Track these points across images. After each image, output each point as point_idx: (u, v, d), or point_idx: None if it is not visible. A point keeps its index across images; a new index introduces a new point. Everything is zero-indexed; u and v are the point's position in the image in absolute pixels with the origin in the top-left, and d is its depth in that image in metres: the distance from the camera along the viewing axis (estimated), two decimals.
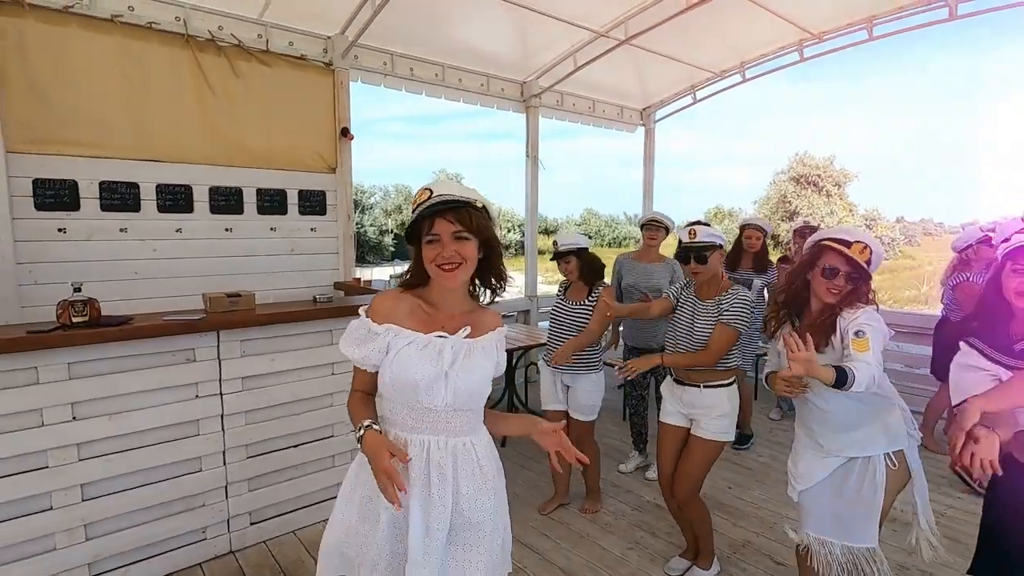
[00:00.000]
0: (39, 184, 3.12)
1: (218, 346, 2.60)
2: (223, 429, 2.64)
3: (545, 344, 3.24)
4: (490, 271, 1.40)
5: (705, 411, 2.41)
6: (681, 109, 6.31)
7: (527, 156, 5.46)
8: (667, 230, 3.61)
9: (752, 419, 4.11)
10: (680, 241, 2.45)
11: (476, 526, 1.38)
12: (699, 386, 2.42)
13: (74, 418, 2.28)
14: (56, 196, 3.17)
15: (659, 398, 2.74)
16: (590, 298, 2.95)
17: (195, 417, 2.57)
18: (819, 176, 28.67)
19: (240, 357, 2.67)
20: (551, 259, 3.15)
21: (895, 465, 1.83)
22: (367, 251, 26.24)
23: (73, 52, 3.15)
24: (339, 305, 3.01)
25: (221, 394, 2.63)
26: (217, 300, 2.67)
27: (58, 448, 2.25)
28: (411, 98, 4.90)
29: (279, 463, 2.83)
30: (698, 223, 2.45)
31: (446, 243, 1.29)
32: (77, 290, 2.26)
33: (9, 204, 3.02)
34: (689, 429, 2.48)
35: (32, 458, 2.20)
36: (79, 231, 3.25)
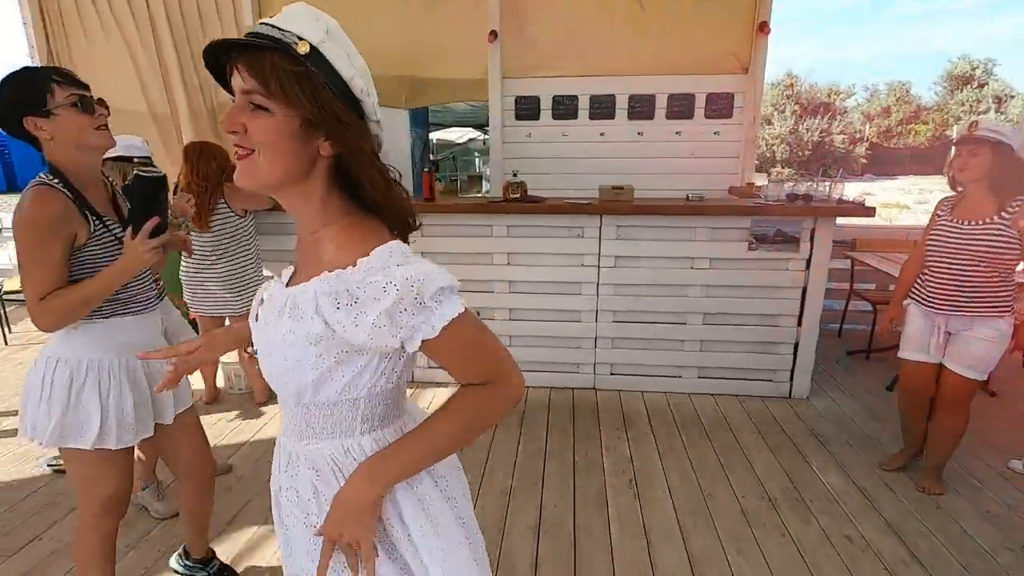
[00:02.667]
0: (519, 101, 4.36)
1: (600, 227, 3.25)
2: (597, 294, 3.35)
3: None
4: (356, 180, 0.79)
5: None
6: None
7: None
8: None
9: None
10: None
11: None
12: None
13: (509, 263, 3.37)
14: (527, 109, 4.36)
15: None
16: (1005, 213, 2.15)
17: (578, 280, 3.35)
18: None
19: (616, 239, 3.26)
20: (954, 144, 2.34)
21: None
22: (830, 163, 23.09)
23: None
24: (705, 205, 3.18)
25: (599, 266, 3.31)
26: (605, 191, 3.29)
27: (498, 281, 3.41)
28: None
29: (637, 332, 3.39)
30: None
31: (234, 111, 0.74)
32: (514, 175, 3.25)
33: (501, 116, 4.37)
34: None
35: (481, 284, 3.42)
36: (539, 135, 4.41)
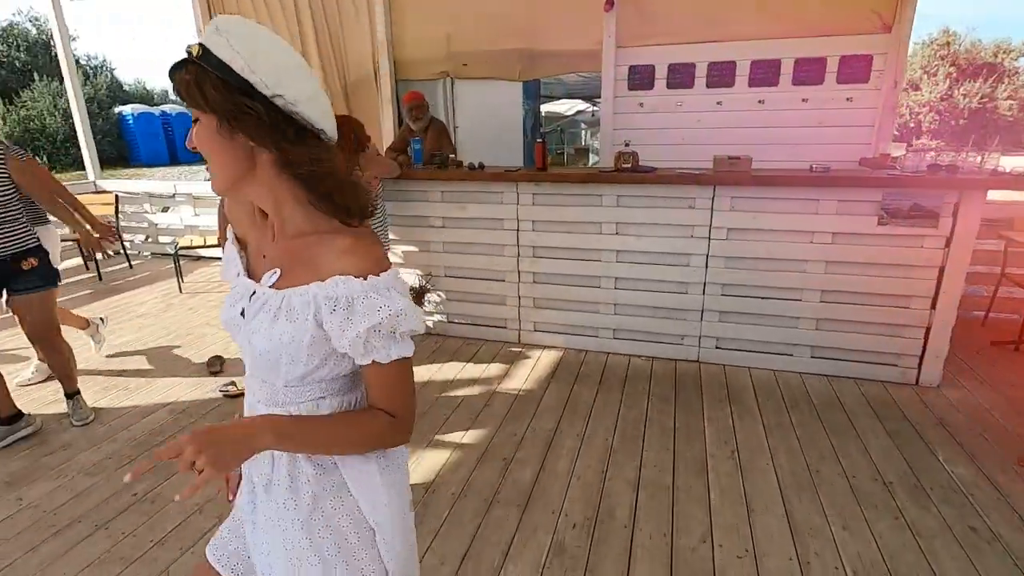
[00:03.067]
0: (632, 70, 4.32)
1: (713, 199, 3.20)
2: (706, 266, 3.32)
3: None
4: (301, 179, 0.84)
5: None
6: None
7: None
8: None
9: None
10: None
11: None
12: None
13: (617, 232, 3.43)
14: (640, 78, 4.32)
15: None
16: None
17: (688, 251, 3.33)
18: None
19: (729, 211, 3.19)
20: None
21: None
22: (992, 133, 20.05)
23: None
24: (830, 176, 3.01)
25: (709, 238, 3.27)
26: (720, 161, 3.22)
27: (606, 251, 3.48)
28: None
29: (746, 307, 3.32)
30: None
31: (190, 131, 0.84)
32: (627, 144, 3.28)
33: (613, 87, 4.36)
34: None
35: (591, 253, 3.50)
36: (651, 105, 4.36)
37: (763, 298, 3.28)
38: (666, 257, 3.39)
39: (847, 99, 3.94)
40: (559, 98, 7.43)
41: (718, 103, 4.19)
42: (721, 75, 4.12)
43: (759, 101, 4.11)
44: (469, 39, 4.71)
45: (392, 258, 3.80)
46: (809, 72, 3.94)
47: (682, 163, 3.82)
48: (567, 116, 8.12)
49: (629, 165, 3.29)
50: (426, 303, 3.91)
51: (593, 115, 7.94)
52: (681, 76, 4.20)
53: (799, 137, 4.06)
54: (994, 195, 3.14)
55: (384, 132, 5.05)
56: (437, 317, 3.98)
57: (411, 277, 3.85)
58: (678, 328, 3.49)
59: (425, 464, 2.54)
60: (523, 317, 3.77)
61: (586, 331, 3.68)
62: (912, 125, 21.66)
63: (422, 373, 3.41)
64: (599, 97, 4.63)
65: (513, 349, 3.76)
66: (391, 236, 3.83)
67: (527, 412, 2.96)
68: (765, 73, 4.03)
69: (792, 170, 3.27)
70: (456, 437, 2.74)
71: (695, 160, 3.83)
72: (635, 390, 3.18)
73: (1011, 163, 3.19)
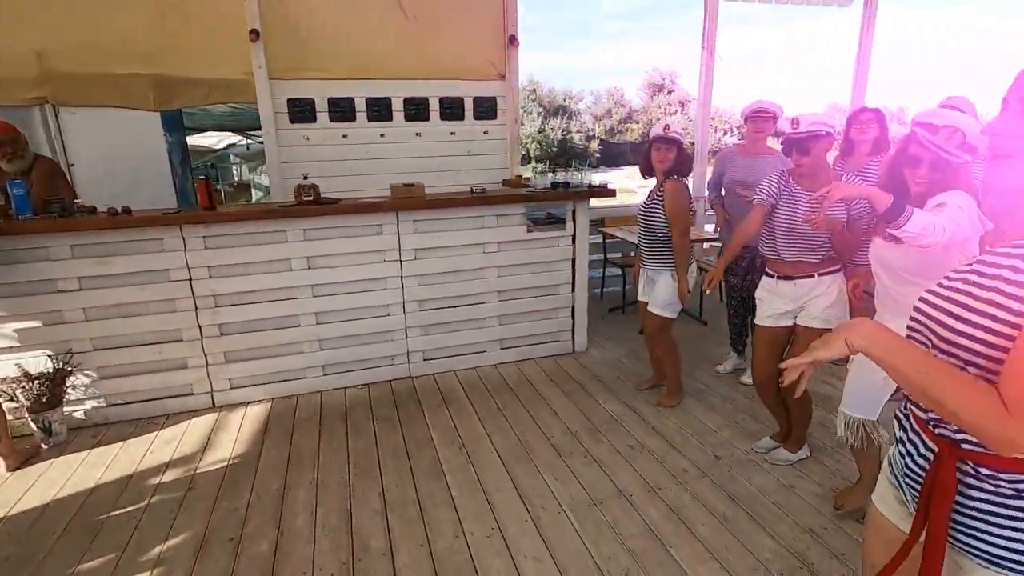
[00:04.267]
0: (292, 103, 4.24)
1: (397, 223, 3.42)
2: (402, 287, 3.53)
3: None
4: None
5: (816, 300, 2.42)
6: None
7: (702, 48, 5.17)
8: (775, 119, 3.26)
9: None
10: (784, 133, 2.38)
11: None
12: (814, 275, 2.41)
13: (309, 267, 3.33)
14: (302, 111, 4.27)
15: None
16: (659, 192, 2.96)
17: (383, 276, 3.48)
18: None
19: (413, 233, 3.47)
20: (650, 142, 2.99)
21: None
22: (572, 157, 26.67)
23: None
24: (488, 196, 3.59)
25: (400, 260, 3.49)
26: (397, 188, 3.48)
27: (301, 287, 3.34)
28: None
29: (443, 318, 3.66)
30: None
31: None
32: (305, 177, 3.23)
33: (274, 119, 4.20)
34: (792, 328, 2.53)
35: (284, 292, 3.32)
36: (316, 138, 4.36)
37: (455, 307, 3.68)
38: (363, 284, 3.46)
39: (484, 132, 4.73)
40: (208, 130, 6.66)
41: (381, 135, 4.47)
42: (380, 110, 4.41)
43: (416, 134, 4.56)
44: (72, 59, 3.83)
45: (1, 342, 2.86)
46: (453, 109, 4.59)
47: (359, 192, 3.96)
48: (217, 150, 7.34)
49: (311, 198, 3.24)
50: (68, 390, 3.04)
51: (248, 148, 7.38)
52: (343, 109, 4.33)
53: (455, 164, 4.68)
54: (594, 202, 4.26)
55: None
56: (91, 404, 3.14)
57: (39, 360, 2.94)
58: (387, 350, 3.61)
59: None
60: (214, 377, 3.30)
61: (292, 375, 3.46)
62: (524, 152, 26.98)
63: (76, 482, 2.65)
64: (254, 129, 4.39)
65: (208, 416, 3.25)
66: None
67: (244, 480, 2.63)
68: (417, 109, 4.50)
69: (458, 193, 3.76)
70: (154, 551, 2.23)
71: (371, 189, 4.02)
72: (358, 420, 3.16)
73: (598, 178, 4.38)
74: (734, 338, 3.71)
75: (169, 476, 2.68)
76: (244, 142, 7.09)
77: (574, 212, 3.75)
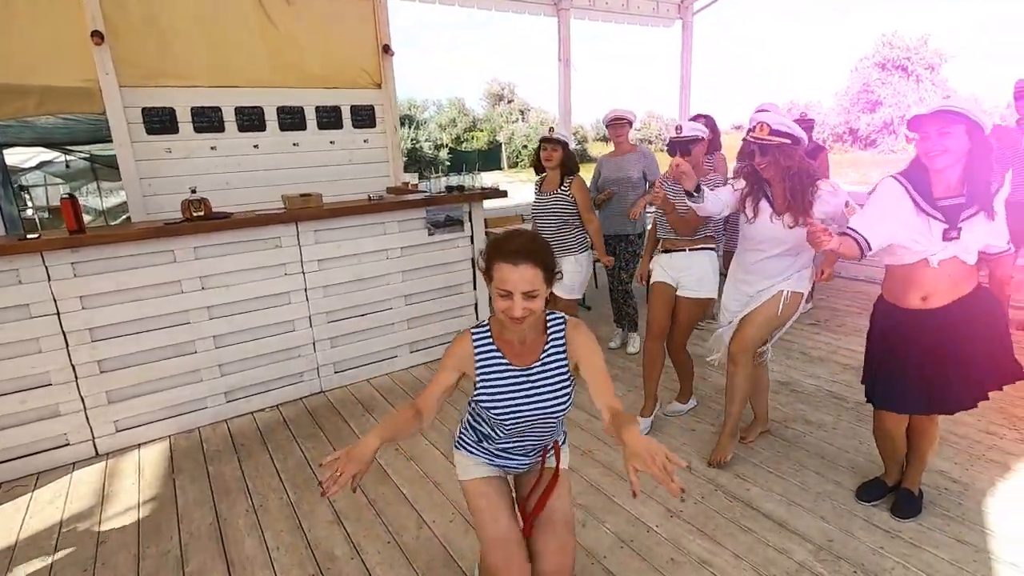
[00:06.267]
0: (147, 112, 3.86)
1: (297, 235, 3.32)
2: (307, 300, 3.43)
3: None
4: None
5: (688, 273, 2.88)
6: None
7: (559, 60, 5.69)
8: (630, 124, 3.81)
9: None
10: (670, 137, 2.83)
11: None
12: (685, 249, 2.88)
13: (203, 288, 3.10)
14: (160, 122, 3.90)
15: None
16: (562, 187, 3.37)
17: (286, 290, 3.35)
18: (908, 59, 25.87)
19: (315, 244, 3.39)
20: (538, 142, 3.39)
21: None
22: (423, 166, 26.76)
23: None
24: (389, 202, 3.64)
25: (303, 272, 3.39)
26: (292, 199, 3.37)
27: (195, 310, 3.09)
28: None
29: (351, 327, 3.62)
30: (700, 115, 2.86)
31: None
32: (193, 191, 3.00)
33: (128, 131, 3.78)
34: (677, 289, 2.99)
35: (175, 317, 3.05)
36: (180, 150, 4.01)
37: (363, 315, 3.66)
38: (265, 300, 3.30)
39: (364, 140, 4.70)
40: (25, 144, 5.54)
41: (255, 146, 4.24)
42: (252, 119, 4.18)
43: (294, 144, 4.40)
44: None
45: None
46: (330, 118, 4.50)
47: (238, 207, 3.75)
48: (27, 169, 6.16)
49: (202, 212, 3.02)
50: None
51: (67, 166, 6.34)
52: (209, 120, 4.03)
53: (336, 173, 4.59)
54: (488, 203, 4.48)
55: None
56: None
57: None
58: (296, 367, 3.48)
59: None
60: (95, 421, 2.92)
61: (191, 407, 3.18)
62: None
63: None
64: (95, 142, 3.89)
65: (93, 467, 2.87)
66: None
67: (167, 521, 2.41)
68: (293, 118, 4.34)
69: (356, 201, 3.74)
70: None
71: (252, 203, 3.81)
72: (280, 441, 3.03)
73: (488, 180, 4.61)
74: (617, 315, 4.19)
75: (68, 536, 2.35)
76: (63, 158, 6.06)
77: (471, 214, 3.94)
